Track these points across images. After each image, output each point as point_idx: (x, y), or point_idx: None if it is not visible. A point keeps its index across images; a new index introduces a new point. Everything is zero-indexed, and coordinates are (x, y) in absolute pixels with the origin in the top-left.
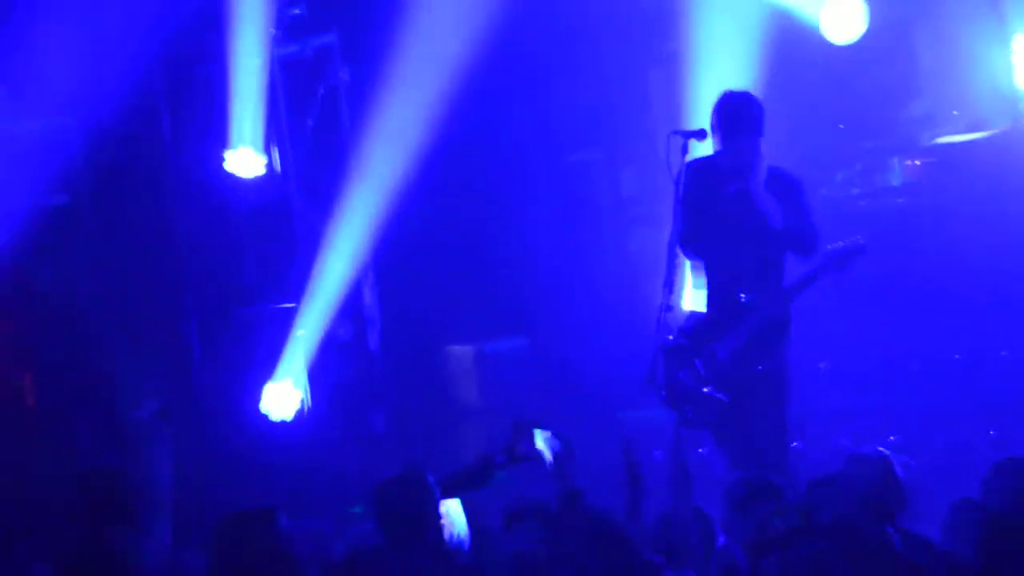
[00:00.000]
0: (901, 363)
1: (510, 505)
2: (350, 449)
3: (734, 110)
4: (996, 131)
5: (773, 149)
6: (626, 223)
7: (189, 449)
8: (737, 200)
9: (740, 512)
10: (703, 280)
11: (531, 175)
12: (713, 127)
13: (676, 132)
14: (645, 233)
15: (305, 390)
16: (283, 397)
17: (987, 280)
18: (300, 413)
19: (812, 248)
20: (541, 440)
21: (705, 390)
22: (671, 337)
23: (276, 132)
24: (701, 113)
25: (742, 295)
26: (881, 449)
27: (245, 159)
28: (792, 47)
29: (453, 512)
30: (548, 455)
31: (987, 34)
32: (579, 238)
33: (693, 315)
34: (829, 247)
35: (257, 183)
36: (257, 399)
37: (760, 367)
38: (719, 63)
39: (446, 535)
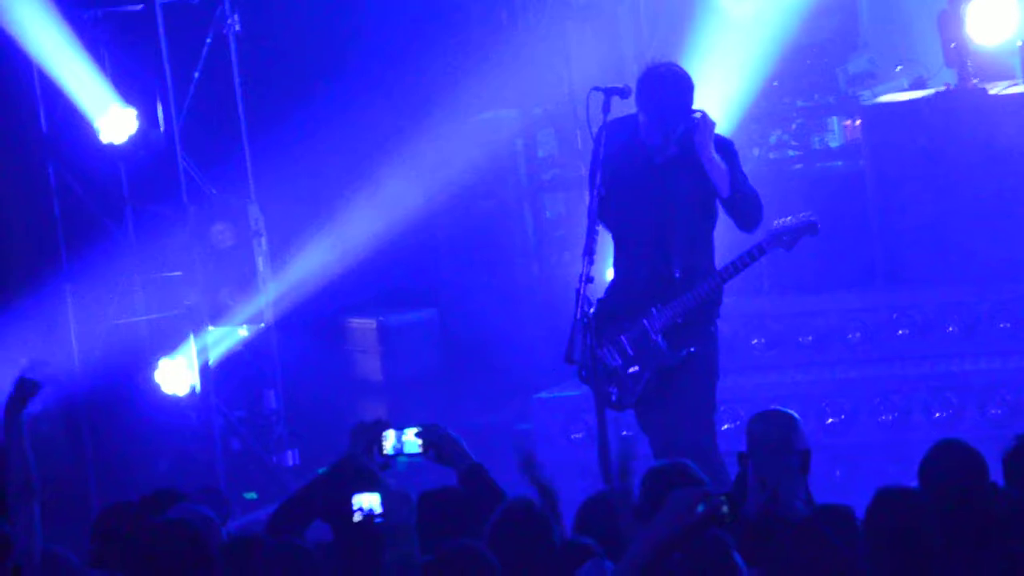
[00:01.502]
0: (840, 337)
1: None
2: (242, 429)
3: (654, 87)
4: (940, 89)
5: (701, 107)
6: (542, 187)
7: (71, 429)
8: (666, 169)
9: (657, 503)
10: (626, 252)
11: (439, 134)
12: (637, 101)
13: (597, 88)
14: (563, 198)
15: (196, 368)
16: (175, 374)
17: (929, 248)
18: (192, 391)
19: (758, 221)
20: (396, 440)
21: (631, 370)
22: (592, 311)
23: (158, 85)
24: (624, 69)
25: (676, 272)
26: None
27: (115, 120)
28: None
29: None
30: (417, 449)
31: None
32: (492, 202)
33: (616, 288)
34: (775, 223)
35: (137, 141)
36: (142, 375)
37: (691, 349)
38: (643, 15)
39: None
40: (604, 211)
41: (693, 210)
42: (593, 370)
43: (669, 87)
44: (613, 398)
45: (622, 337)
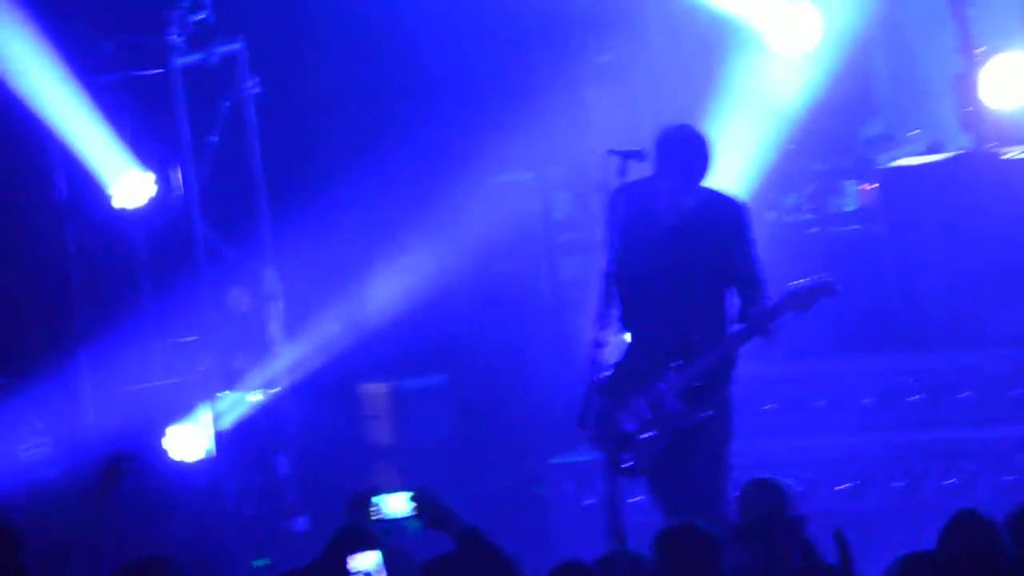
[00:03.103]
0: (854, 401)
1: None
2: (253, 495)
3: (672, 148)
4: (956, 152)
5: (719, 170)
6: (558, 250)
7: (81, 493)
8: (681, 233)
9: (672, 562)
10: (642, 315)
11: (457, 198)
12: (656, 161)
13: (613, 151)
14: (578, 261)
15: (211, 433)
16: (188, 439)
17: (947, 312)
18: (205, 457)
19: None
20: (391, 504)
21: (647, 435)
22: (606, 375)
23: (175, 148)
24: (641, 132)
25: (693, 335)
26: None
27: (132, 184)
28: (741, 61)
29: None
30: (409, 512)
31: (948, 50)
32: (508, 265)
33: (633, 352)
34: (791, 285)
35: (155, 205)
36: (156, 440)
37: (708, 412)
38: (661, 80)
39: None
40: (621, 274)
41: (708, 274)
42: (607, 435)
43: (687, 146)
44: (628, 464)
45: (639, 401)
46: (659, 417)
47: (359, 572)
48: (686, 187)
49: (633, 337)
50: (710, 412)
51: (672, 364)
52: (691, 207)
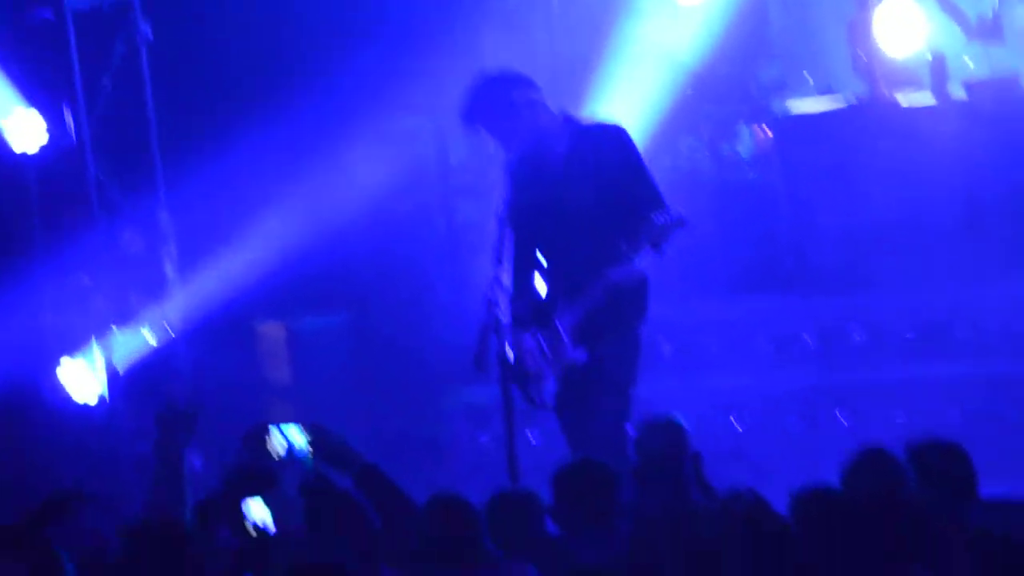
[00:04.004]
0: (749, 344)
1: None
2: (149, 434)
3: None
4: (852, 101)
5: (617, 113)
6: (454, 193)
7: None
8: (562, 175)
9: (568, 498)
10: (532, 255)
11: (353, 141)
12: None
13: None
14: (474, 204)
15: (105, 373)
16: (82, 379)
17: (837, 257)
18: (99, 397)
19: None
20: (283, 438)
21: (546, 370)
22: (503, 315)
23: (68, 93)
24: (538, 78)
25: (580, 275)
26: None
27: (24, 127)
28: (639, 7)
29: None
30: (304, 447)
31: None
32: (404, 209)
33: (527, 291)
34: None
35: (47, 149)
36: (49, 379)
37: (600, 349)
38: (557, 24)
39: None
40: (513, 218)
41: (596, 208)
42: (502, 373)
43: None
44: (534, 398)
45: (537, 337)
46: (555, 354)
47: (255, 523)
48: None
49: (529, 277)
50: (603, 349)
51: (563, 302)
52: (567, 144)
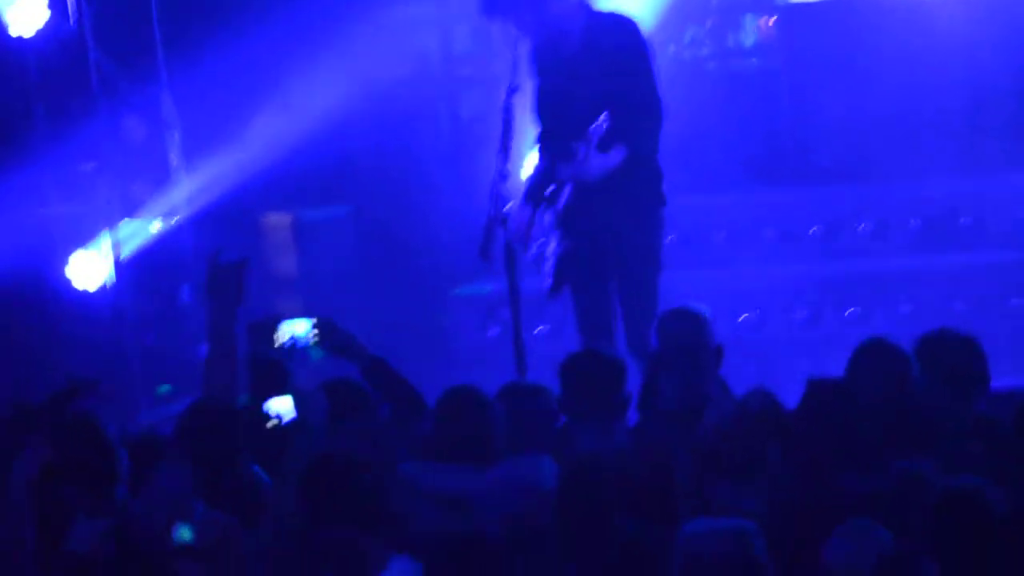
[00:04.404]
0: (754, 234)
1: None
2: (155, 323)
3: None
4: None
5: (617, 1)
6: (458, 84)
7: None
8: (573, 63)
9: (575, 387)
10: (548, 143)
11: (351, 29)
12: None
13: None
14: (479, 95)
15: (111, 262)
16: (89, 267)
17: (841, 147)
18: (104, 285)
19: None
20: (291, 330)
21: (556, 244)
22: (510, 205)
23: None
24: None
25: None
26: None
27: (23, 11)
28: None
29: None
30: (311, 340)
31: None
32: (407, 99)
33: (539, 175)
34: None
35: (47, 33)
36: (57, 268)
37: (620, 235)
38: None
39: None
40: (533, 103)
41: (600, 105)
42: (508, 265)
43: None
44: (547, 283)
45: (547, 214)
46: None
47: (278, 416)
48: (531, 23)
49: (545, 158)
50: (628, 243)
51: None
52: (581, 31)
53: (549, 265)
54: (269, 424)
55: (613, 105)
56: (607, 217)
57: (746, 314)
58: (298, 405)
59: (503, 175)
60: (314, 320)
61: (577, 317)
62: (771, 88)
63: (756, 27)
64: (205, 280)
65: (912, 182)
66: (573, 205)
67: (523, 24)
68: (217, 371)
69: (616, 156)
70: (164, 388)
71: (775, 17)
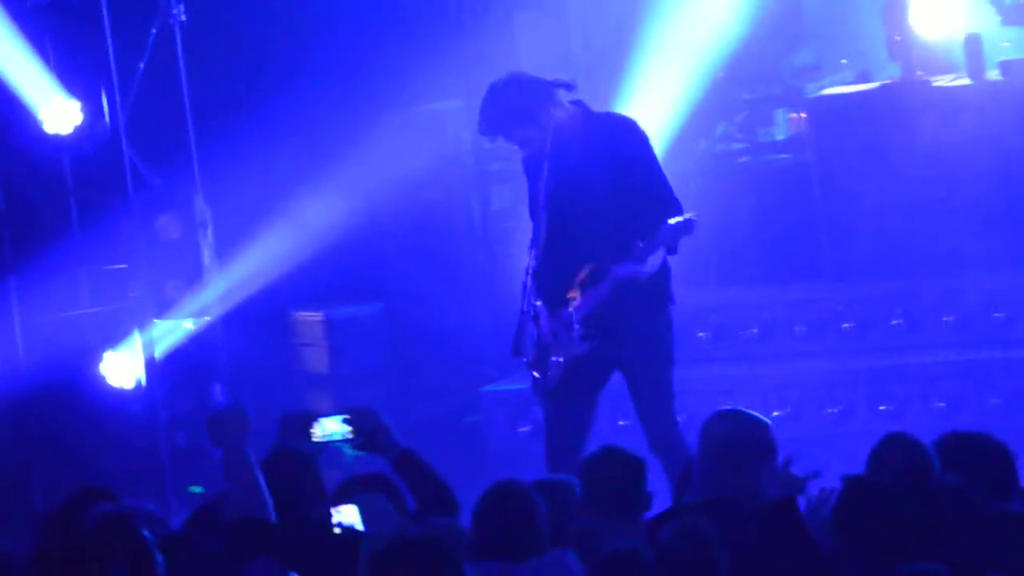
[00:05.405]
0: (785, 330)
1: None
2: (186, 423)
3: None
4: (885, 81)
5: (649, 98)
6: (488, 179)
7: (16, 423)
8: (580, 165)
9: (597, 488)
10: (553, 245)
11: (387, 126)
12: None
13: None
14: (509, 190)
15: (143, 362)
16: (121, 367)
17: (873, 242)
18: (137, 385)
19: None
20: (327, 427)
21: (553, 359)
22: (539, 303)
23: (103, 75)
24: (571, 61)
25: (589, 265)
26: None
27: (59, 111)
28: None
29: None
30: (347, 434)
31: None
32: (438, 195)
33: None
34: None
35: (82, 132)
36: (89, 368)
37: (628, 350)
38: (591, 8)
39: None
40: (532, 208)
41: (606, 204)
42: (541, 361)
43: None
44: (535, 380)
45: (553, 324)
46: (559, 342)
47: (341, 524)
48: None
49: (549, 264)
50: (634, 352)
51: (576, 292)
52: (581, 134)
53: (557, 361)
54: (336, 531)
55: (632, 205)
56: (617, 319)
57: (776, 410)
58: (365, 515)
59: (534, 270)
60: (348, 413)
61: (550, 426)
62: (802, 182)
63: (787, 121)
64: (207, 434)
65: (945, 277)
66: (600, 308)
67: (520, 140)
68: (237, 487)
69: (661, 253)
70: (196, 488)
71: (805, 110)
